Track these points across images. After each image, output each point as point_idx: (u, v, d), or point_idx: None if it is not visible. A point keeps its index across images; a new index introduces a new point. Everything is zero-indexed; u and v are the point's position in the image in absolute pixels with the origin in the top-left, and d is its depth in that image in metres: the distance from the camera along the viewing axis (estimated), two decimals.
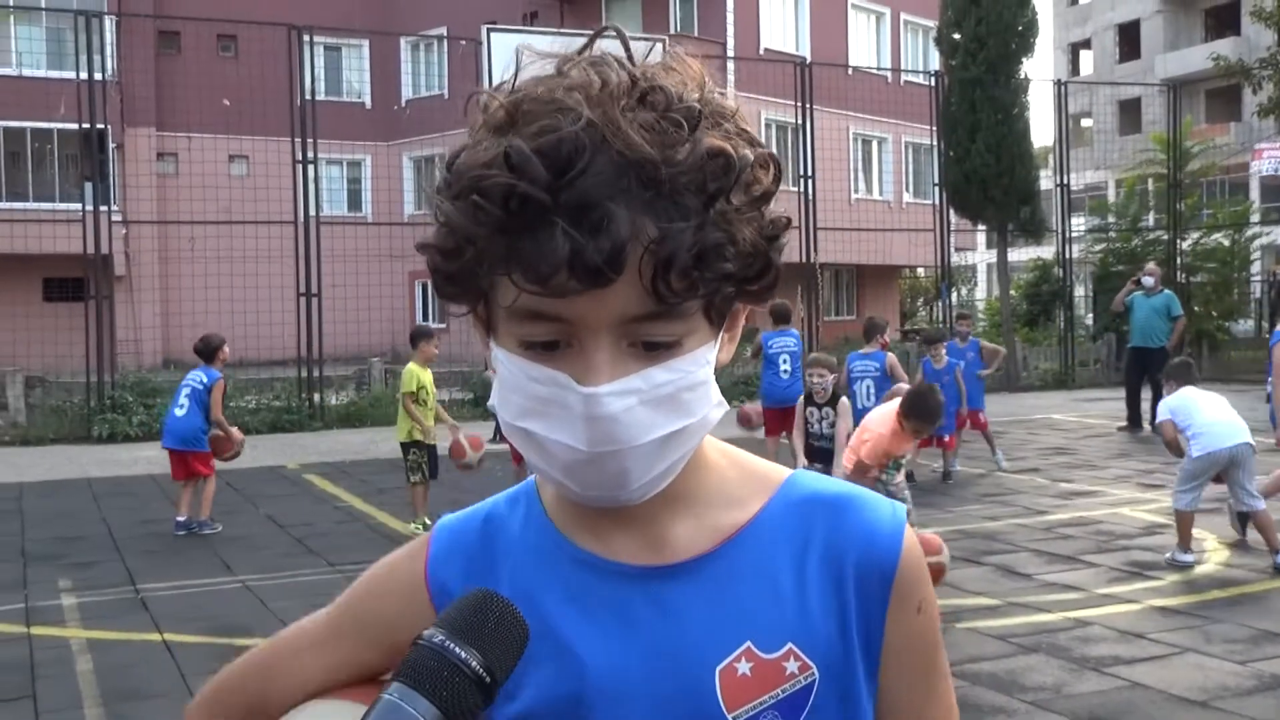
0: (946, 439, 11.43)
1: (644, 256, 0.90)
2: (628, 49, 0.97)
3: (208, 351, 10.12)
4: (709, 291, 0.94)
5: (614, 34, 0.99)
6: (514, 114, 0.93)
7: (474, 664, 0.85)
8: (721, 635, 1.02)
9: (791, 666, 1.02)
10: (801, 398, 8.89)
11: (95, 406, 16.72)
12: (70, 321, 19.26)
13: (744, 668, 1.01)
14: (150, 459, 14.46)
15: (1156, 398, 15.11)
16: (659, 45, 1.02)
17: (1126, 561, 8.01)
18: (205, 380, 9.92)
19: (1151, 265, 17.00)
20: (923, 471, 11.80)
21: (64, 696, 5.64)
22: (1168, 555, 7.92)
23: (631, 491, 0.98)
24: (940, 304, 24.15)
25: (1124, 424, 15.43)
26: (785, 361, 10.99)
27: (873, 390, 10.21)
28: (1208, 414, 8.03)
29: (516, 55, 0.98)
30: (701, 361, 0.98)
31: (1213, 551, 8.31)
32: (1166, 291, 15.64)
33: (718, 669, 1.01)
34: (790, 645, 1.02)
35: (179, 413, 9.85)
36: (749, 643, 1.02)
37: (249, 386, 18.54)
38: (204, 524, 9.67)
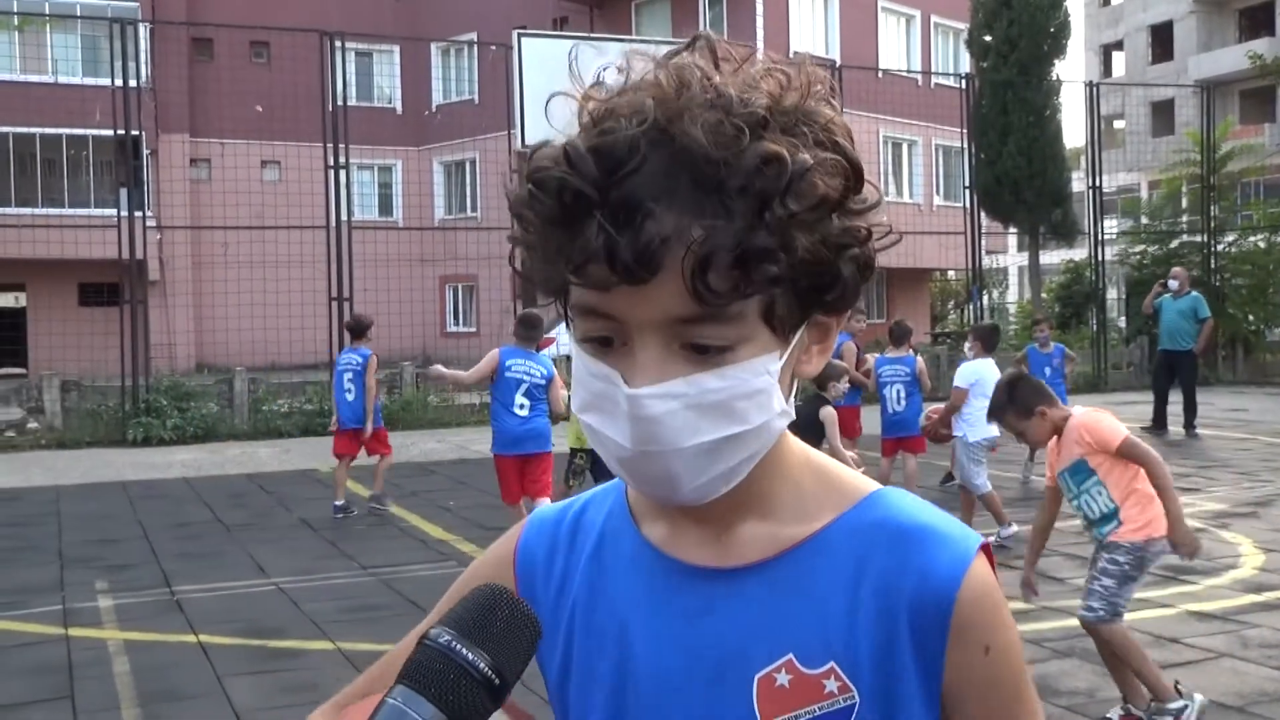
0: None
1: (686, 256, 0.91)
2: (715, 55, 0.98)
3: (359, 329, 10.96)
4: (757, 294, 0.94)
5: (704, 43, 0.99)
6: (596, 116, 0.96)
7: (482, 666, 0.82)
8: (765, 644, 1.02)
9: (831, 685, 1.01)
10: (829, 409, 8.71)
11: (130, 410, 16.87)
12: (105, 326, 19.46)
13: (783, 679, 1.02)
14: (185, 462, 14.59)
15: (1187, 401, 15.30)
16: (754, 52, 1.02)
17: (1160, 565, 7.91)
18: (360, 360, 10.54)
19: (1178, 269, 16.96)
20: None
21: (102, 697, 5.69)
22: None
23: (684, 493, 0.99)
24: (971, 307, 24.03)
25: (1148, 425, 15.35)
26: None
27: (902, 394, 10.06)
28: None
29: (628, 60, 1.00)
30: (759, 371, 0.97)
31: (1248, 556, 8.24)
32: (1194, 293, 15.65)
33: (756, 677, 1.02)
34: (833, 664, 1.01)
35: (349, 397, 10.50)
36: (791, 655, 1.02)
37: (280, 390, 18.65)
38: (383, 500, 10.36)
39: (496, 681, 0.83)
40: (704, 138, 0.91)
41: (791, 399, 1.03)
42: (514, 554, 1.16)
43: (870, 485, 1.09)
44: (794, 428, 1.06)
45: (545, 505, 1.20)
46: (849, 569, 1.03)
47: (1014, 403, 5.29)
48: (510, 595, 0.88)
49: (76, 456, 15.44)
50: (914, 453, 10.04)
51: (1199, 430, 15.21)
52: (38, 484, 13.04)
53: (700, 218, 0.91)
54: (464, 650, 0.82)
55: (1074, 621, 6.58)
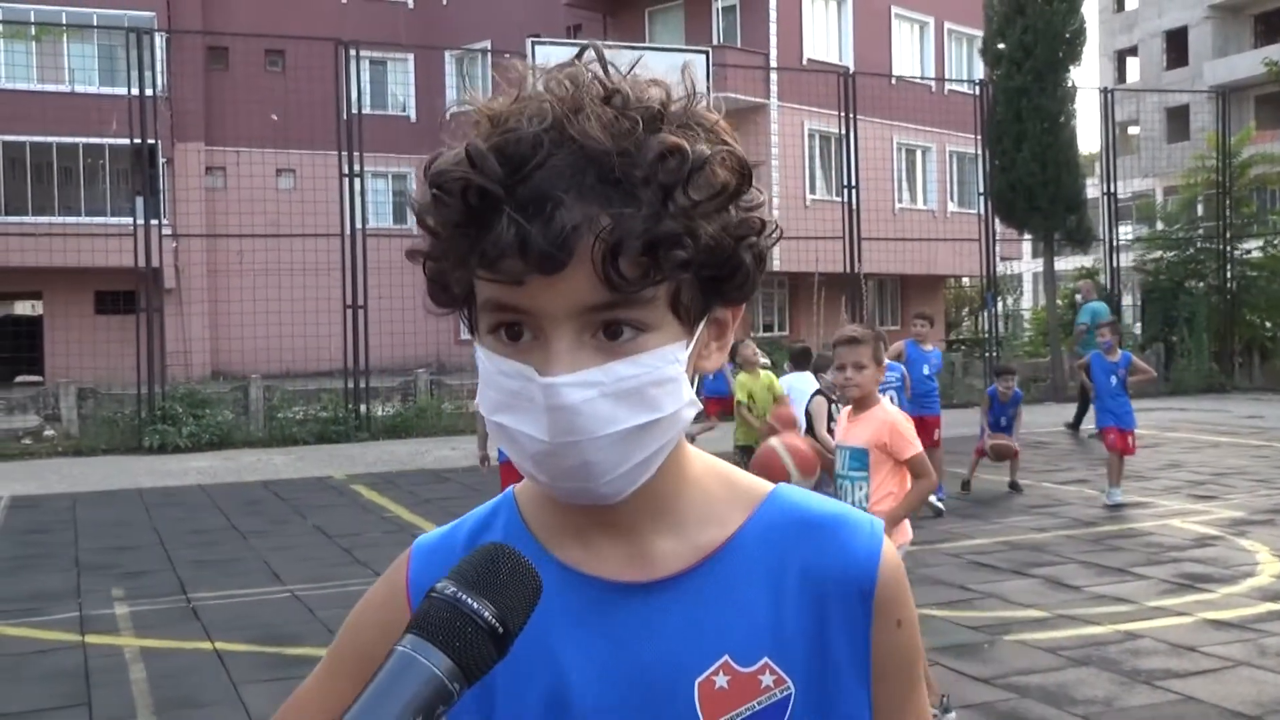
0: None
1: (595, 244, 0.92)
2: (604, 62, 1.00)
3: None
4: (666, 279, 0.95)
5: (594, 54, 1.02)
6: (494, 121, 0.97)
7: (487, 615, 0.84)
8: (700, 649, 1.04)
9: (767, 680, 1.04)
10: (820, 396, 8.56)
11: (146, 417, 16.93)
12: (121, 334, 19.56)
13: (721, 680, 1.04)
14: (200, 469, 14.64)
15: (1080, 400, 16.35)
16: (643, 58, 1.04)
17: (1177, 574, 7.92)
18: None
19: (1084, 280, 19.18)
20: (982, 484, 11.73)
21: (118, 704, 5.71)
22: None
23: (602, 485, 0.99)
24: (986, 314, 23.99)
25: (1069, 423, 16.56)
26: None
27: (895, 399, 10.19)
28: None
29: (521, 74, 1.02)
30: (670, 358, 0.98)
31: (1266, 564, 8.20)
32: (1094, 301, 17.71)
33: (697, 681, 1.04)
34: (766, 660, 1.04)
35: None
36: (726, 656, 1.04)
37: (295, 398, 18.71)
38: None
39: (501, 630, 0.85)
40: (603, 131, 0.94)
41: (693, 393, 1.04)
42: (405, 587, 1.12)
43: (767, 485, 1.12)
44: None
45: (423, 536, 1.18)
46: (768, 565, 1.06)
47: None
48: (511, 551, 0.90)
49: (93, 464, 15.50)
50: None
51: (1081, 433, 15.79)
52: (55, 491, 13.10)
53: (608, 207, 0.93)
54: (469, 600, 0.85)
55: (1090, 630, 6.58)
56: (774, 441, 5.35)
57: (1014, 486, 11.66)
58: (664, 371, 0.98)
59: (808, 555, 1.07)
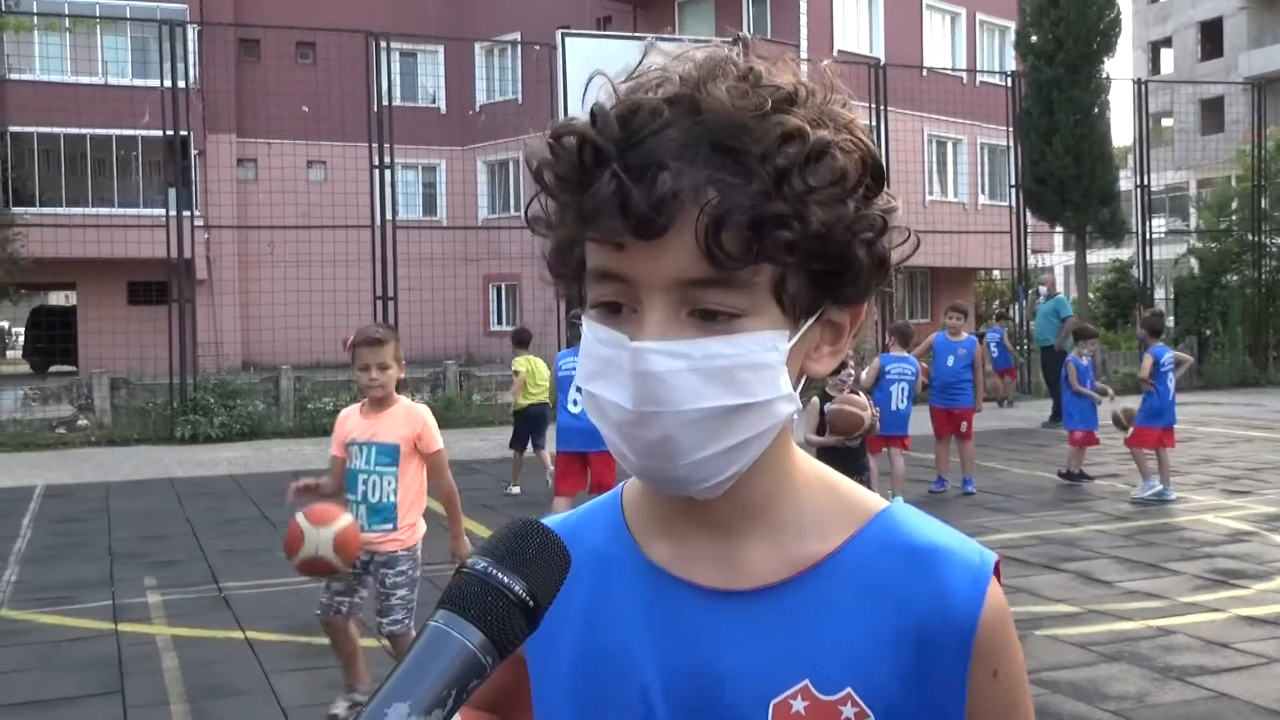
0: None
1: (700, 215, 0.91)
2: (746, 47, 1.00)
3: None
4: (769, 261, 0.93)
5: (742, 43, 1.01)
6: (626, 89, 0.97)
7: (518, 589, 0.85)
8: (781, 669, 1.01)
9: (848, 711, 1.00)
10: (815, 398, 8.43)
11: (178, 408, 17.05)
12: (154, 325, 19.68)
13: (799, 705, 1.00)
14: (231, 459, 14.74)
15: (1053, 394, 16.97)
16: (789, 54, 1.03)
17: (1210, 569, 7.86)
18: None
19: (1047, 275, 19.75)
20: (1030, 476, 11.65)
21: (151, 692, 5.76)
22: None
23: (683, 466, 0.97)
24: (1017, 307, 23.84)
25: (1047, 421, 17.10)
26: (1171, 380, 10.88)
27: (906, 393, 10.33)
28: None
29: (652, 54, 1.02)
30: (767, 345, 0.96)
31: None
32: (1059, 296, 18.14)
33: (772, 703, 1.00)
34: (849, 690, 1.00)
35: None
36: (807, 681, 1.00)
37: (325, 388, 18.79)
38: None
39: (531, 604, 0.85)
40: (729, 101, 0.93)
41: (798, 391, 1.01)
42: None
43: (879, 502, 1.08)
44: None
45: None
46: (865, 591, 1.02)
47: None
48: (541, 526, 0.90)
49: (125, 453, 15.63)
50: (902, 450, 10.33)
51: (1059, 427, 15.73)
52: (88, 480, 13.22)
53: (717, 179, 0.92)
54: (500, 575, 0.85)
55: (1122, 625, 6.53)
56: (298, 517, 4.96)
57: (1082, 476, 11.57)
58: (759, 356, 0.96)
59: (908, 586, 1.01)
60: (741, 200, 0.91)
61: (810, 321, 1.00)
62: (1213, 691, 5.40)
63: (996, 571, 1.04)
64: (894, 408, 10.16)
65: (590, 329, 0.99)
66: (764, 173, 0.92)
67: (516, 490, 11.41)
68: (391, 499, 5.16)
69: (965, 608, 1.00)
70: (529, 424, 11.81)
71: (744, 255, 0.92)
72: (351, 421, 5.29)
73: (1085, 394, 11.57)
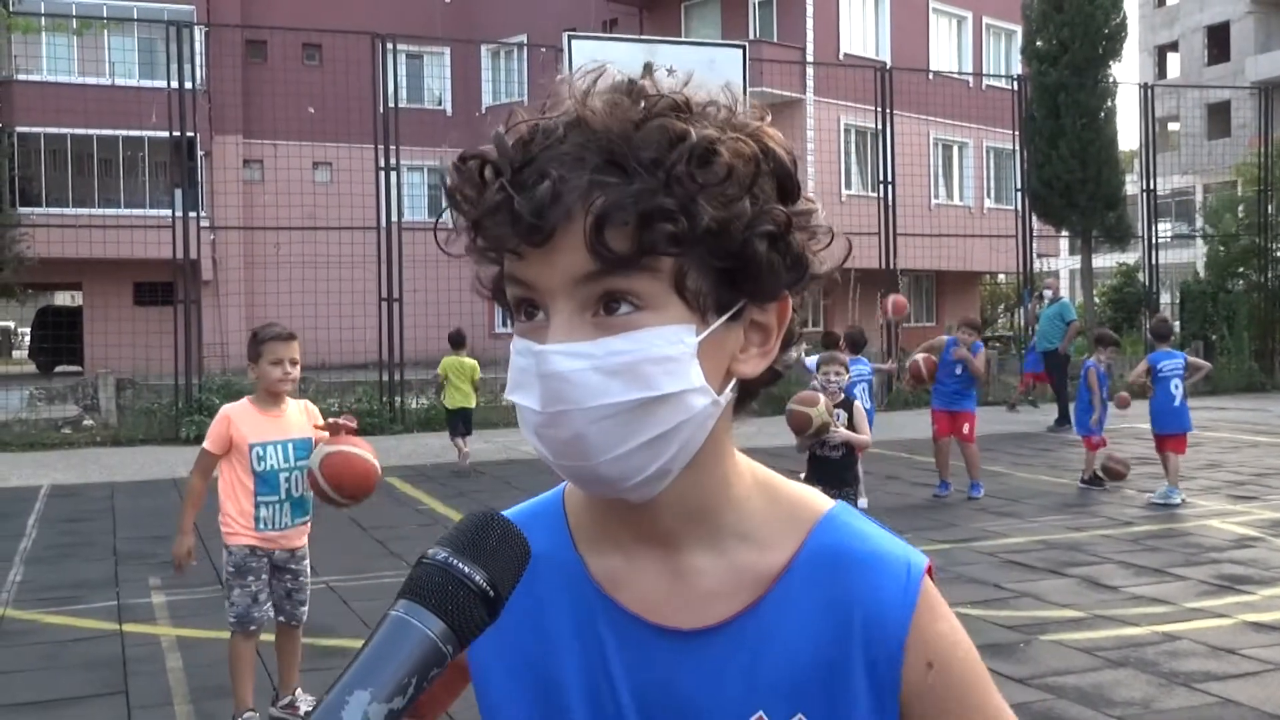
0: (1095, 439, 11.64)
1: (586, 215, 0.93)
2: (649, 70, 1.03)
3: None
4: (657, 254, 0.95)
5: (648, 71, 1.03)
6: (530, 116, 1.01)
7: (478, 579, 0.86)
8: (734, 702, 1.03)
9: None
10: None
11: (183, 408, 17.07)
12: (160, 325, 19.69)
13: None
14: None
15: (1059, 400, 17.06)
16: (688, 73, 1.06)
17: (1216, 575, 7.84)
18: None
19: (1051, 279, 19.39)
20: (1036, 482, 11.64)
21: (155, 693, 5.76)
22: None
23: (602, 464, 0.97)
24: (1022, 310, 23.82)
25: (1052, 425, 17.12)
26: (1176, 386, 10.89)
27: (867, 392, 10.70)
28: None
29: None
30: (671, 339, 0.97)
31: None
32: (1063, 299, 18.00)
33: None
34: (800, 716, 1.03)
35: None
36: (760, 712, 1.03)
37: (331, 390, 18.81)
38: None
39: (491, 594, 0.87)
40: (609, 114, 0.96)
41: (727, 391, 1.02)
42: None
43: (820, 504, 1.09)
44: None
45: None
46: (813, 611, 1.04)
47: None
48: (501, 518, 0.91)
49: (131, 454, 15.64)
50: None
51: (1066, 431, 15.92)
52: (93, 480, 13.23)
53: (602, 182, 0.94)
54: (461, 565, 0.86)
55: (1128, 630, 6.52)
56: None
57: (1097, 479, 11.58)
58: (662, 350, 0.97)
59: (852, 601, 1.04)
60: (624, 198, 0.93)
61: (724, 318, 1.00)
62: (1219, 698, 5.38)
63: (930, 573, 1.07)
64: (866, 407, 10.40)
65: (513, 344, 1.01)
66: (652, 174, 0.94)
67: (465, 466, 13.36)
68: (308, 491, 5.26)
69: (898, 616, 1.03)
70: (456, 418, 13.66)
71: (630, 250, 0.94)
72: (249, 422, 5.28)
73: (1102, 400, 11.59)
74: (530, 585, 1.05)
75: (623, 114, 0.96)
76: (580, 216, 0.93)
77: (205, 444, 5.26)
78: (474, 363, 13.70)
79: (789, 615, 1.04)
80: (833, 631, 1.03)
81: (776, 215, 0.98)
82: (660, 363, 0.97)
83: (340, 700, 0.81)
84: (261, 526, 5.22)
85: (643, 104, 0.97)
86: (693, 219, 0.94)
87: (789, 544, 1.06)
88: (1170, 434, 10.76)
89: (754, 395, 1.07)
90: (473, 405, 13.80)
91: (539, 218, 0.94)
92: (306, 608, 5.44)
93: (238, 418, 5.30)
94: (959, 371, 11.13)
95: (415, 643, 0.84)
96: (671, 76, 1.01)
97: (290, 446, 5.30)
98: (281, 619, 5.39)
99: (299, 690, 5.50)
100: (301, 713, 5.32)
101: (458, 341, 13.58)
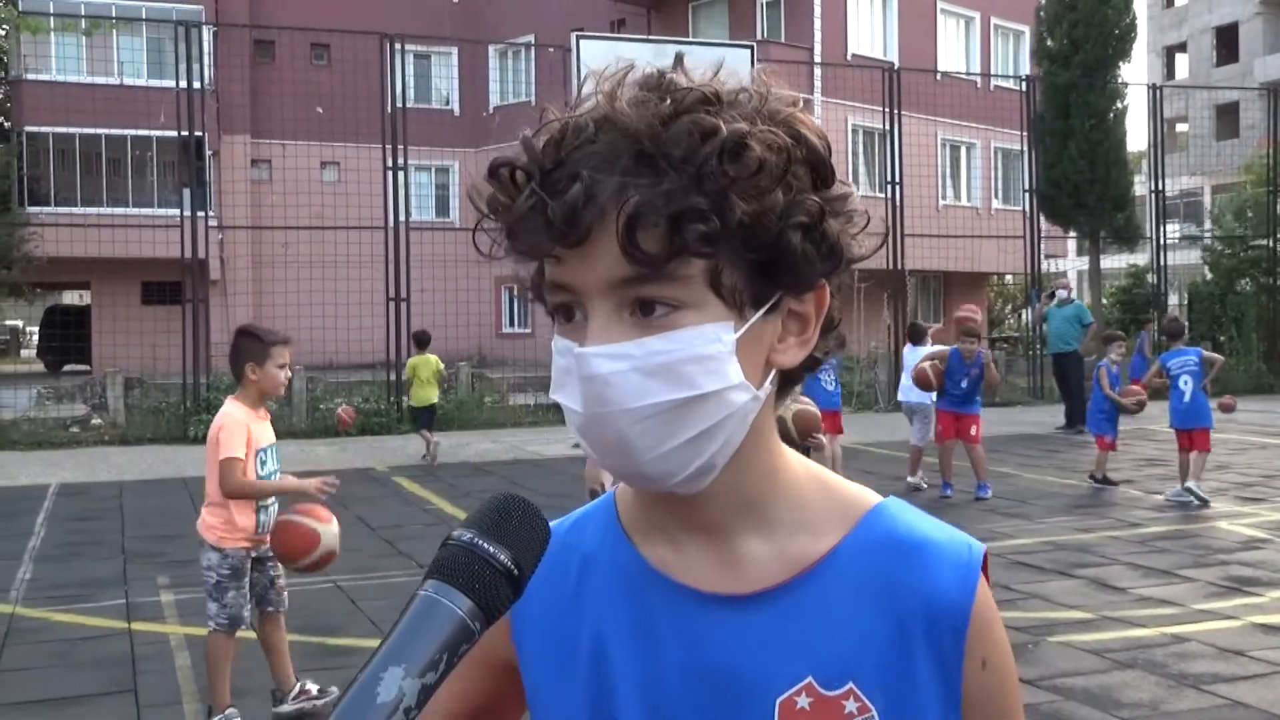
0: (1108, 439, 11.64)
1: (619, 216, 0.93)
2: (679, 62, 1.02)
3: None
4: (691, 255, 0.94)
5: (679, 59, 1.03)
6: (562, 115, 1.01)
7: (503, 558, 0.88)
8: (785, 668, 1.03)
9: (850, 706, 1.02)
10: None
11: (191, 407, 17.10)
12: (168, 324, 19.73)
13: (803, 702, 1.02)
14: None
15: (1070, 399, 17.18)
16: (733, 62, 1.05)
17: (1225, 576, 7.83)
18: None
19: (1063, 280, 19.55)
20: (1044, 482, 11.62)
21: (164, 691, 5.78)
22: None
23: (646, 463, 0.98)
24: (1030, 311, 23.80)
25: (1061, 425, 17.32)
26: (1186, 383, 10.88)
27: (831, 377, 11.45)
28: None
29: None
30: (709, 337, 0.97)
31: None
32: (1077, 302, 18.08)
33: (778, 700, 1.03)
34: (851, 685, 1.03)
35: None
36: (810, 678, 1.03)
37: (338, 389, 18.83)
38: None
39: (516, 572, 0.88)
40: (636, 112, 0.95)
41: (766, 384, 1.02)
42: None
43: (872, 498, 1.09)
44: None
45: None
46: (861, 588, 1.04)
47: None
48: (522, 500, 0.93)
49: (139, 453, 15.68)
50: (835, 434, 10.97)
51: (1080, 432, 15.76)
52: (102, 479, 13.27)
53: (634, 182, 0.94)
54: (486, 545, 0.88)
55: (1136, 632, 6.51)
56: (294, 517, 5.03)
57: (1109, 479, 11.58)
58: (701, 349, 0.97)
59: (901, 581, 1.04)
60: (656, 199, 0.93)
61: (761, 312, 1.00)
62: (1228, 700, 5.38)
63: (985, 565, 1.07)
64: (825, 393, 10.85)
65: (555, 344, 1.02)
66: (683, 171, 0.94)
67: (434, 454, 14.29)
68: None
69: (958, 600, 1.03)
70: (423, 413, 14.61)
71: (662, 252, 0.94)
72: (258, 428, 5.38)
73: (1115, 400, 11.57)
74: (584, 577, 1.10)
75: (651, 110, 0.96)
76: (614, 217, 0.94)
77: (233, 452, 5.20)
78: (437, 359, 14.73)
79: (832, 592, 1.04)
80: (888, 611, 1.03)
81: (809, 205, 0.98)
82: (700, 361, 0.97)
83: (375, 676, 0.83)
84: (260, 530, 5.25)
85: (669, 100, 0.97)
86: (725, 215, 0.94)
87: (838, 532, 1.07)
88: (1186, 430, 10.75)
89: (797, 381, 1.08)
90: (435, 400, 14.86)
91: (572, 220, 0.94)
92: (283, 601, 5.50)
93: (248, 423, 5.36)
94: (964, 385, 11.10)
95: (445, 620, 0.85)
96: (700, 69, 1.01)
97: (275, 450, 5.47)
98: (270, 609, 5.42)
99: (307, 683, 5.50)
100: (315, 693, 5.35)
101: (423, 341, 14.59)
